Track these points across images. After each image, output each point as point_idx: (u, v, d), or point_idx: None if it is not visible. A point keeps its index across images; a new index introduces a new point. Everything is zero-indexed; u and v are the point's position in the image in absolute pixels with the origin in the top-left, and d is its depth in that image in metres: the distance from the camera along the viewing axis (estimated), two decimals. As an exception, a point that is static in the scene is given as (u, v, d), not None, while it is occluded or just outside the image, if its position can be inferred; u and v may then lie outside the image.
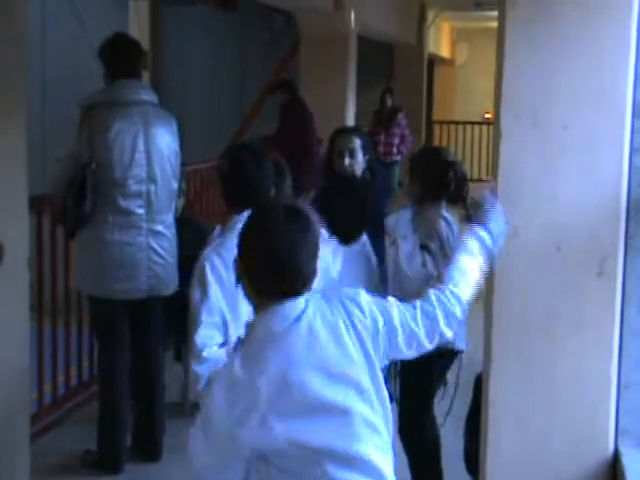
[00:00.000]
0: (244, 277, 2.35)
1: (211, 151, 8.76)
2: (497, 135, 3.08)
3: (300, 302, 2.32)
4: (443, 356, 3.96)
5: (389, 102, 11.45)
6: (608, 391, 3.07)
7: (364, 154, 4.49)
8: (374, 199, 4.13)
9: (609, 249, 3.01)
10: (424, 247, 3.95)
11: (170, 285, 4.75)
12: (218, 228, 3.39)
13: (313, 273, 2.34)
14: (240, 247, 2.35)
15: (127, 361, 4.77)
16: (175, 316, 5.04)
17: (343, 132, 4.65)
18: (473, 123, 16.68)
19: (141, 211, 4.58)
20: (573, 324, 3.06)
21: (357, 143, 4.48)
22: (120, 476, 4.72)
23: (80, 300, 5.48)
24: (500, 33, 3.07)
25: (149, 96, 4.68)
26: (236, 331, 3.04)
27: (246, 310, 2.93)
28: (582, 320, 3.05)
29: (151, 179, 4.59)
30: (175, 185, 4.76)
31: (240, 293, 2.72)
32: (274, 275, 2.30)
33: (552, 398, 3.09)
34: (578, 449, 3.09)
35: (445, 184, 3.98)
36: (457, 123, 16.89)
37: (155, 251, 4.64)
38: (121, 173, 4.51)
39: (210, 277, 3.12)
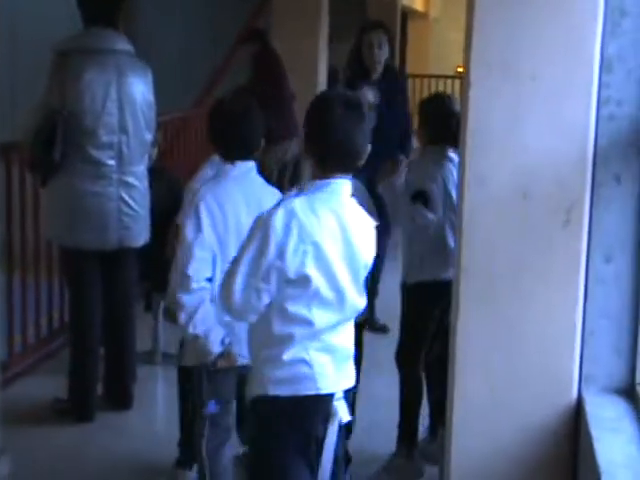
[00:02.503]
0: (310, 157, 2.79)
1: (182, 102, 8.71)
2: (466, 83, 3.09)
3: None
4: (439, 286, 4.07)
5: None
6: (573, 338, 3.11)
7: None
8: None
9: (576, 198, 3.04)
10: (418, 194, 4.06)
11: (140, 237, 4.75)
12: (209, 167, 3.64)
13: (365, 154, 2.77)
14: (307, 133, 2.79)
15: (98, 311, 4.78)
16: (146, 267, 5.05)
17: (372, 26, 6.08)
18: (446, 77, 16.62)
19: (112, 162, 4.56)
20: (539, 272, 3.09)
21: (384, 37, 5.89)
22: (91, 424, 4.76)
23: (50, 250, 5.47)
24: (471, -18, 3.07)
25: (124, 45, 4.63)
26: (222, 269, 3.25)
27: (233, 250, 3.15)
28: (548, 268, 3.09)
29: (123, 129, 4.56)
30: (148, 136, 4.73)
31: (229, 234, 3.32)
32: (336, 156, 2.73)
33: (518, 345, 3.13)
34: (543, 395, 3.14)
35: (450, 129, 4.10)
36: (430, 77, 16.83)
37: (126, 202, 4.63)
38: (92, 122, 4.48)
39: (204, 214, 3.33)
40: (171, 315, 4.05)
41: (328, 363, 2.79)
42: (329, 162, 2.75)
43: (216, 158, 3.78)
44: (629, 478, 2.63)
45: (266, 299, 2.73)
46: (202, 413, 3.45)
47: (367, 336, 4.29)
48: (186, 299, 3.31)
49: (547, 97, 3.01)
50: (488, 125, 3.06)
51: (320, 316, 2.74)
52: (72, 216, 4.59)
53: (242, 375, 3.29)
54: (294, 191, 2.80)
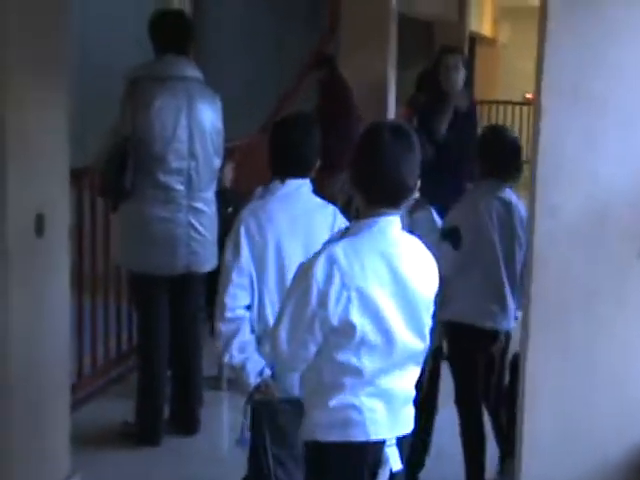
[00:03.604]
0: (355, 189, 2.67)
1: (249, 128, 8.76)
2: (538, 111, 3.06)
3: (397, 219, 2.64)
4: (488, 335, 4.00)
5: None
6: (649, 369, 3.05)
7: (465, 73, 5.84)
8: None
9: (650, 227, 2.99)
10: (452, 231, 3.97)
11: (208, 262, 4.77)
12: (260, 189, 3.44)
13: (414, 187, 2.63)
14: (352, 162, 2.68)
15: (166, 335, 4.82)
16: (212, 292, 5.06)
17: (449, 50, 6.09)
18: (514, 103, 16.52)
19: (181, 187, 4.61)
20: (614, 300, 3.05)
21: (460, 60, 5.87)
22: (158, 448, 4.77)
23: (119, 274, 5.53)
24: (542, 8, 3.04)
25: (194, 72, 4.69)
26: (261, 295, 3.18)
27: (273, 275, 3.15)
28: (623, 296, 3.04)
29: (192, 155, 4.61)
30: (217, 162, 4.77)
31: (269, 258, 3.14)
32: (380, 186, 2.60)
33: (592, 375, 3.08)
34: (618, 426, 3.09)
35: (505, 163, 4.06)
36: (498, 103, 16.73)
37: (194, 228, 4.66)
38: (162, 148, 4.53)
39: (243, 239, 3.20)
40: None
41: (380, 409, 2.66)
42: (374, 194, 2.62)
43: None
44: None
45: (313, 349, 2.63)
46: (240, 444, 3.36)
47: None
48: (222, 328, 3.18)
49: (620, 122, 2.97)
50: (560, 152, 3.02)
51: (369, 363, 2.62)
52: (141, 241, 4.64)
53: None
54: (339, 234, 2.71)
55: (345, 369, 2.62)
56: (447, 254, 3.93)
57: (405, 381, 2.72)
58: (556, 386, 3.11)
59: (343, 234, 2.69)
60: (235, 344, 3.16)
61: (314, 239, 3.07)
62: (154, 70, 4.61)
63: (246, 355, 3.16)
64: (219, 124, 4.75)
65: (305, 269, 2.61)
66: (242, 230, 3.21)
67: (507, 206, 4.06)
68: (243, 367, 3.16)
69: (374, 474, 2.65)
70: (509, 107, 16.45)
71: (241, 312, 3.18)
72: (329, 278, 2.55)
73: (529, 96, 17.34)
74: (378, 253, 2.61)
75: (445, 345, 4.18)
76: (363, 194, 2.65)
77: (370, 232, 2.62)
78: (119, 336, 5.67)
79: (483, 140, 4.34)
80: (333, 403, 2.64)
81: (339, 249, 2.59)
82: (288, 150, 3.30)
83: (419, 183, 2.65)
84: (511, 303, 4.04)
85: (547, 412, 3.13)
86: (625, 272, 3.03)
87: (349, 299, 2.56)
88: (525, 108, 16.17)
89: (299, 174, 3.30)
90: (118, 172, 4.48)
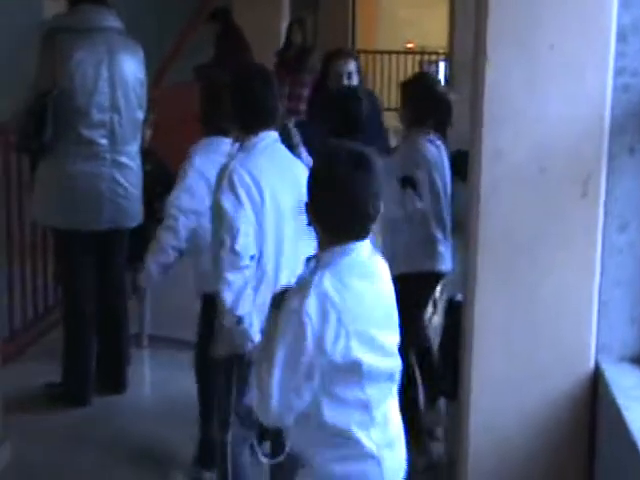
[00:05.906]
0: (315, 219, 2.41)
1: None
2: (481, 57, 3.10)
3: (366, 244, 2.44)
4: (424, 278, 4.04)
5: (298, 38, 8.41)
6: (590, 308, 3.15)
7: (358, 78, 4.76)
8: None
9: (593, 170, 3.07)
10: (407, 180, 4.02)
11: (134, 218, 4.69)
12: (236, 144, 3.40)
13: (377, 214, 2.40)
14: (311, 191, 2.41)
15: (92, 292, 4.71)
16: (136, 248, 4.98)
17: (340, 55, 4.89)
18: (397, 52, 16.69)
19: (104, 141, 4.49)
20: (557, 244, 3.12)
21: (353, 66, 4.74)
22: (87, 408, 4.69)
23: (35, 234, 5.38)
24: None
25: (114, 23, 4.55)
26: (260, 246, 3.16)
27: (272, 225, 3.16)
28: (566, 239, 3.12)
29: (115, 108, 4.49)
30: (140, 115, 4.66)
31: (267, 209, 3.12)
32: (345, 216, 2.38)
33: (536, 316, 3.16)
34: (562, 363, 3.17)
35: (432, 110, 4.08)
36: (381, 53, 16.85)
37: (119, 183, 4.56)
38: (83, 101, 4.40)
39: (241, 189, 3.15)
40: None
41: (392, 457, 2.48)
42: (341, 228, 2.40)
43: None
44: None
45: (308, 397, 2.36)
46: (239, 408, 3.23)
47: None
48: (234, 278, 3.08)
49: (564, 67, 3.02)
50: (504, 98, 3.06)
51: (373, 392, 2.42)
52: (65, 198, 4.51)
53: None
54: (309, 269, 2.43)
55: (351, 405, 2.40)
56: (412, 201, 3.98)
57: (396, 413, 2.57)
58: (502, 327, 3.18)
59: (314, 267, 2.42)
60: (246, 295, 3.10)
61: (300, 189, 2.74)
62: (73, 21, 4.46)
63: (251, 308, 3.11)
64: (142, 75, 4.63)
65: (292, 310, 2.33)
66: (237, 180, 3.15)
67: (439, 149, 4.14)
68: (250, 320, 3.10)
69: None
70: (393, 56, 16.58)
71: (249, 262, 3.12)
72: (324, 317, 2.32)
73: (410, 46, 17.56)
74: (358, 277, 2.42)
75: None
76: (328, 227, 2.42)
77: (346, 259, 2.40)
78: (35, 295, 5.50)
79: (408, 89, 4.36)
80: (350, 452, 2.41)
81: (327, 282, 2.35)
82: (257, 104, 3.29)
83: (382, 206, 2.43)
84: (449, 244, 4.15)
85: (494, 353, 3.20)
86: (568, 216, 3.10)
87: (347, 334, 2.34)
88: (408, 57, 16.34)
89: (269, 125, 3.31)
90: (37, 127, 4.34)
